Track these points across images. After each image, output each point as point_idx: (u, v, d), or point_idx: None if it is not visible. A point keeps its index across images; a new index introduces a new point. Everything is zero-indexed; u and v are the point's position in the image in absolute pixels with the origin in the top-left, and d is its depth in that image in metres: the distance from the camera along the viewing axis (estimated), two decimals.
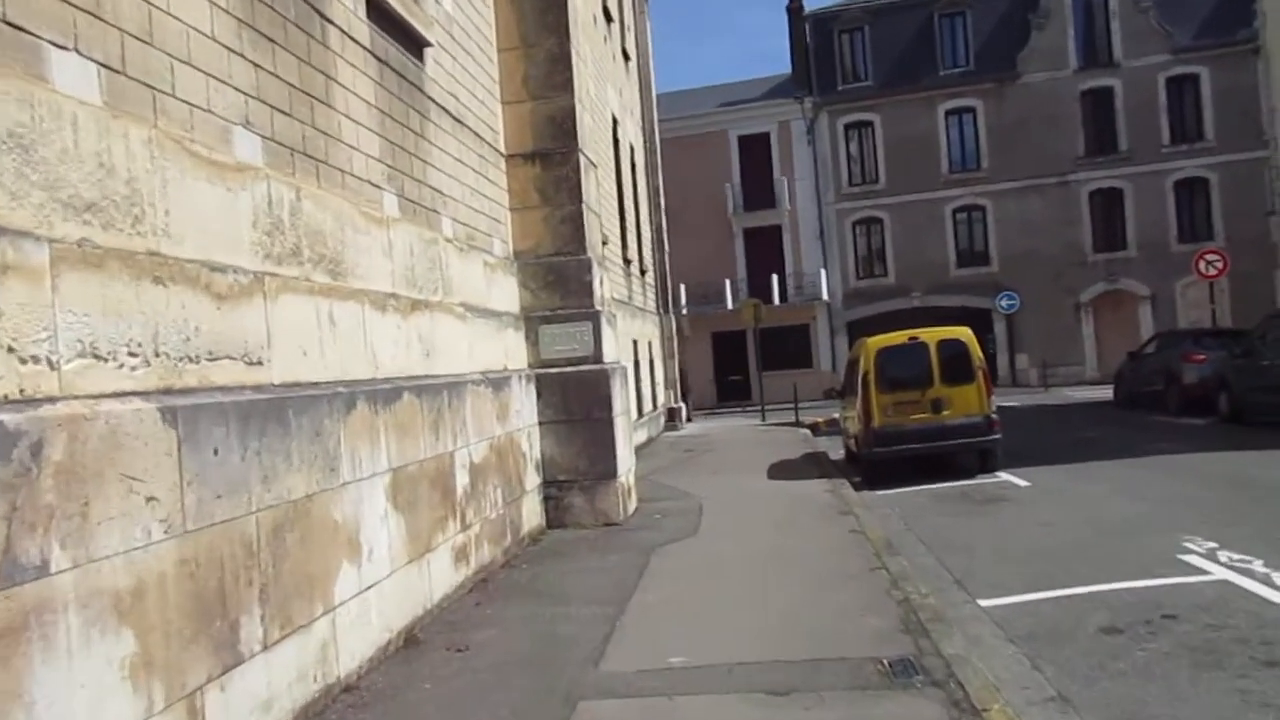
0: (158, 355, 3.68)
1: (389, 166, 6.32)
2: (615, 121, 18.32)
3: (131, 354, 3.54)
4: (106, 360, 3.38)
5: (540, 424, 9.16)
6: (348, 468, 5.02)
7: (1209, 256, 21.04)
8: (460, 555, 6.74)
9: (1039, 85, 31.99)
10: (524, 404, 8.78)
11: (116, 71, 3.64)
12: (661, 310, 23.33)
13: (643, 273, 20.94)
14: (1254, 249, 27.81)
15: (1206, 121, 30.93)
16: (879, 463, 12.08)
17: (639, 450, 16.64)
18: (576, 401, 9.15)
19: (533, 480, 8.87)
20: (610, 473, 9.18)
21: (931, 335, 12.30)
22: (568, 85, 9.30)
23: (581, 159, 9.41)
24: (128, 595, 3.27)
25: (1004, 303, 30.82)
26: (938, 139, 32.99)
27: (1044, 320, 31.86)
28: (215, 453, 3.85)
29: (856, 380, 12.47)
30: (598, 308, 9.35)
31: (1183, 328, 26.08)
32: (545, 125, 9.33)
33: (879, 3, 33.93)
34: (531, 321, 9.28)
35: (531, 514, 8.75)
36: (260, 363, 4.40)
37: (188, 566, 3.62)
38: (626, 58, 21.14)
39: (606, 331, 9.50)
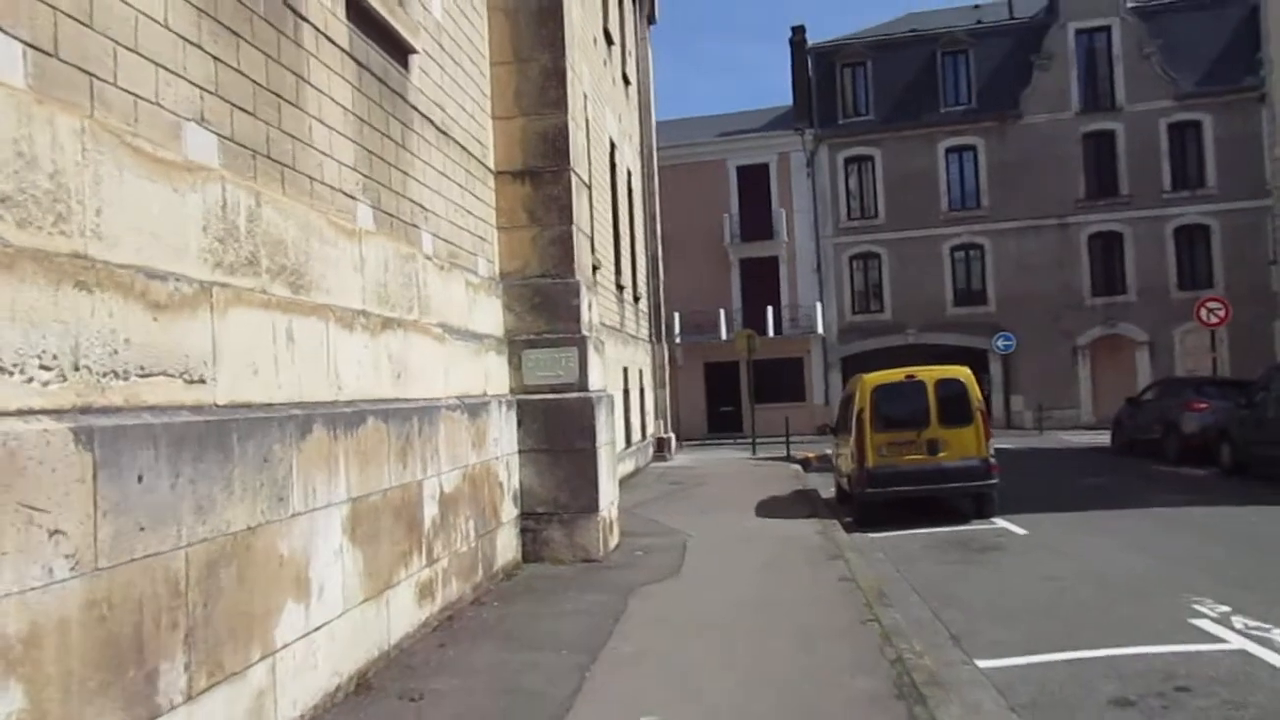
0: (77, 369, 3.29)
1: (364, 176, 5.96)
2: (613, 146, 18.07)
3: (44, 367, 3.14)
4: (11, 373, 2.99)
5: (520, 453, 8.76)
6: (299, 497, 4.62)
7: (1210, 304, 20.78)
8: (425, 592, 6.31)
9: (1040, 126, 31.91)
10: (503, 431, 8.38)
11: (46, 53, 3.27)
12: (654, 338, 22.99)
13: (636, 299, 20.62)
14: (1254, 298, 27.57)
15: (1208, 168, 30.83)
16: (872, 504, 11.68)
17: (625, 481, 16.23)
18: (559, 430, 8.75)
19: (509, 512, 8.45)
20: (591, 506, 8.76)
21: (929, 374, 11.95)
22: (561, 102, 8.99)
23: (573, 178, 9.08)
24: (19, 643, 2.86)
25: (1000, 343, 30.54)
26: (938, 176, 32.86)
27: (1040, 362, 31.57)
28: (140, 480, 3.44)
29: (851, 417, 12.10)
30: (584, 333, 8.99)
31: (1182, 375, 25.80)
32: (537, 142, 9.01)
33: (881, 38, 33.92)
34: (515, 345, 8.91)
35: (507, 547, 8.33)
36: (202, 380, 4.00)
37: (97, 609, 3.20)
38: (627, 82, 20.94)
39: (593, 358, 9.13)
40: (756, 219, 33.96)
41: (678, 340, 32.36)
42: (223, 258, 4.24)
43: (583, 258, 9.36)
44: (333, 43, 5.57)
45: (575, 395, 8.82)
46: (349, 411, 5.29)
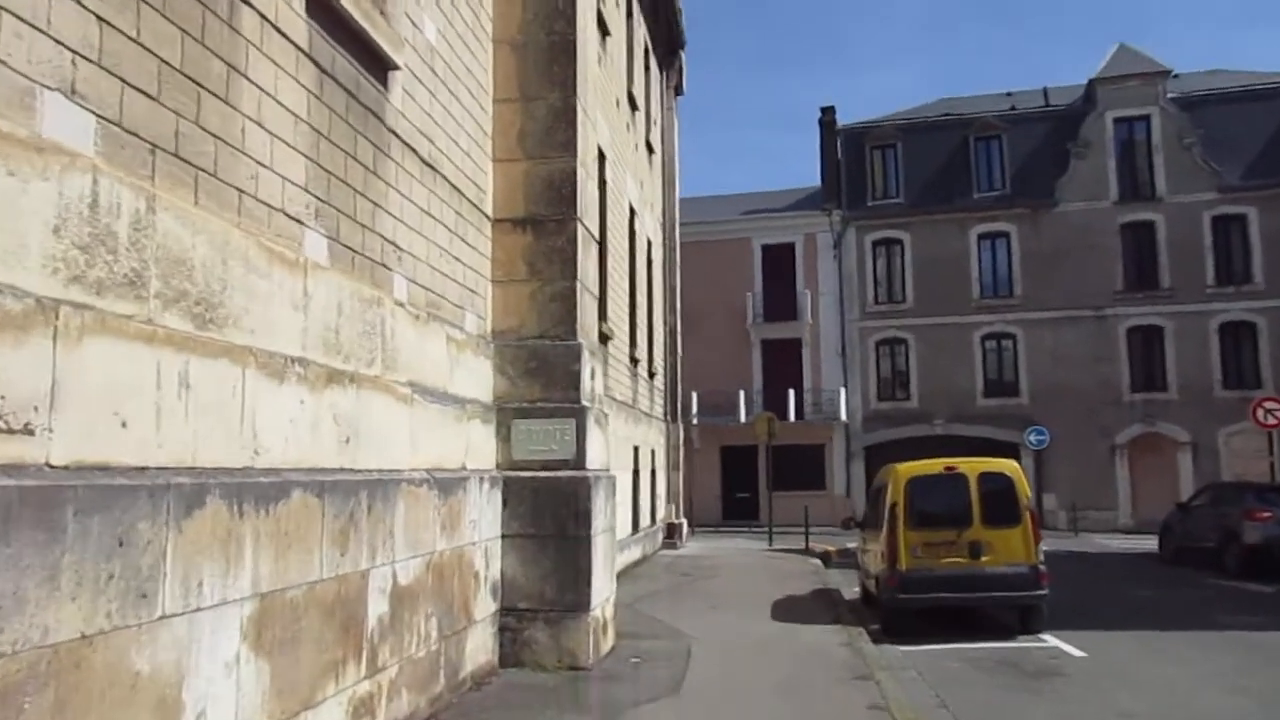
0: None
1: (319, 200, 4.99)
2: (633, 212, 17.26)
3: None
4: None
5: (503, 537, 7.61)
6: (174, 594, 3.50)
7: (1268, 404, 19.45)
8: (361, 710, 5.11)
9: (1077, 214, 31.02)
10: (484, 513, 7.24)
11: None
12: (669, 417, 21.87)
13: (651, 375, 19.57)
14: None
15: (1255, 263, 29.71)
16: (903, 611, 10.34)
17: (630, 570, 14.93)
18: (549, 513, 7.60)
19: (485, 607, 7.25)
20: (582, 604, 7.55)
21: (972, 467, 10.72)
22: (570, 145, 8.08)
23: (580, 229, 8.12)
24: None
25: (1033, 438, 29.14)
26: (969, 262, 31.93)
27: (1075, 459, 30.06)
28: None
29: (881, 512, 10.84)
30: (585, 403, 7.91)
31: (1233, 480, 24.22)
32: (541, 189, 8.08)
33: (913, 120, 33.39)
34: (505, 413, 7.84)
35: (479, 649, 7.11)
36: (28, 431, 2.94)
37: None
38: (650, 150, 20.27)
39: (593, 432, 8.03)
40: (780, 299, 33.06)
41: (694, 420, 31.19)
42: (85, 272, 3.22)
43: (587, 318, 8.34)
44: (284, 36, 4.65)
45: (570, 473, 7.70)
46: (266, 482, 4.20)
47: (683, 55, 23.23)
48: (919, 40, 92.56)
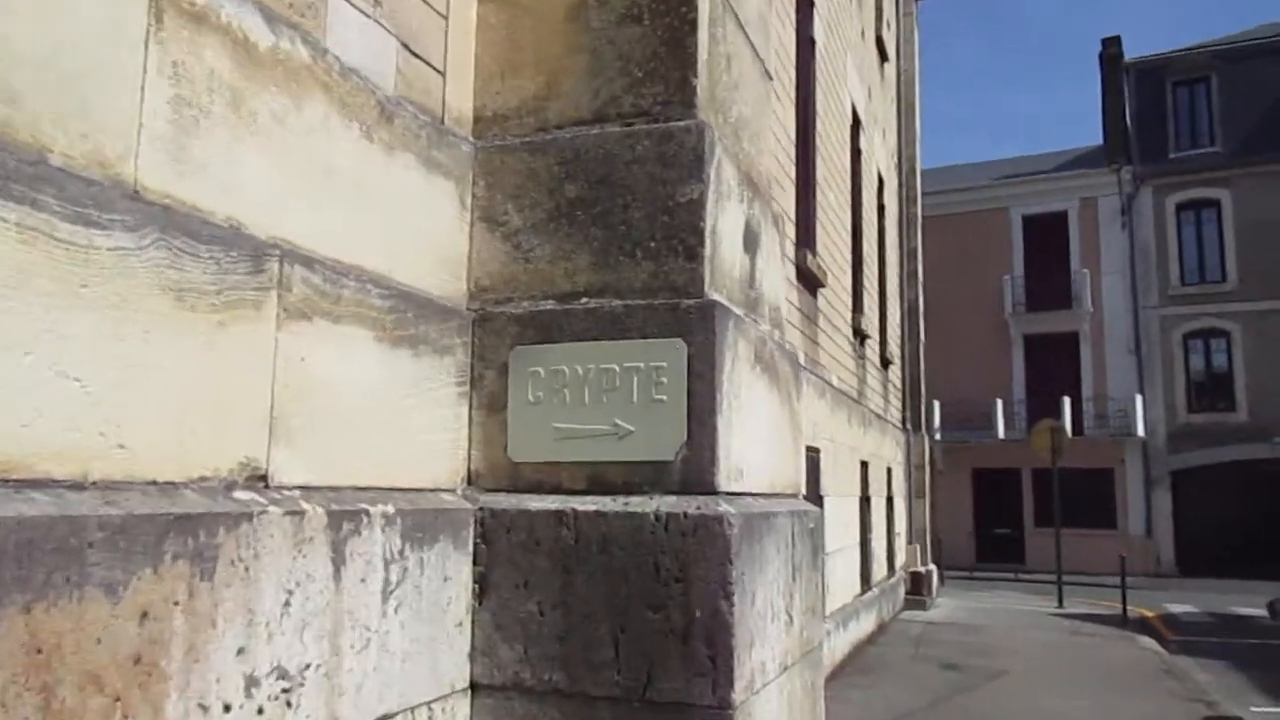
0: None
1: None
2: (856, 120, 11.88)
3: None
4: None
5: (473, 692, 2.54)
6: None
7: None
8: None
9: None
10: (398, 615, 2.23)
11: None
12: (909, 424, 16.12)
13: (885, 364, 13.99)
14: None
15: None
16: None
17: (859, 653, 9.33)
18: (609, 622, 2.45)
19: None
20: None
21: None
22: None
23: None
24: None
25: None
26: None
27: None
28: None
29: None
30: (714, 295, 2.66)
31: None
32: None
33: (1232, 45, 25.60)
34: (493, 332, 2.75)
35: None
36: None
37: None
38: (882, 54, 14.77)
39: (744, 383, 2.77)
40: (1049, 283, 26.16)
41: (937, 437, 24.93)
42: None
43: (726, 80, 3.08)
44: None
45: (674, 502, 2.50)
46: None
47: None
48: None
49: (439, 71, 2.87)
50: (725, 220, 2.82)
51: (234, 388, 1.92)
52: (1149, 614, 15.63)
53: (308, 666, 2.01)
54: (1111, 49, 26.35)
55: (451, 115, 2.90)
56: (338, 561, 2.13)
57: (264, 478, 2.00)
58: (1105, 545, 22.49)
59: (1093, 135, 30.15)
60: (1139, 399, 24.86)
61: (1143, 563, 23.10)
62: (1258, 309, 24.18)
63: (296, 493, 2.09)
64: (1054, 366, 25.91)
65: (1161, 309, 25.23)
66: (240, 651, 1.82)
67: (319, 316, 2.19)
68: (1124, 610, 14.23)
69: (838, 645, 9.07)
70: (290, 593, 1.98)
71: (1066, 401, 25.02)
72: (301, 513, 2.02)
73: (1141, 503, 25.02)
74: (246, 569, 1.86)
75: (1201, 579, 22.36)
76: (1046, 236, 26.34)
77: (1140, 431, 24.78)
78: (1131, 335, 25.39)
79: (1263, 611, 14.49)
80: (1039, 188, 26.69)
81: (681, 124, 2.74)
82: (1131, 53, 26.63)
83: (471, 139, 2.93)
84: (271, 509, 1.93)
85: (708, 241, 2.68)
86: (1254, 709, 8.34)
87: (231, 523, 1.82)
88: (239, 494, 1.90)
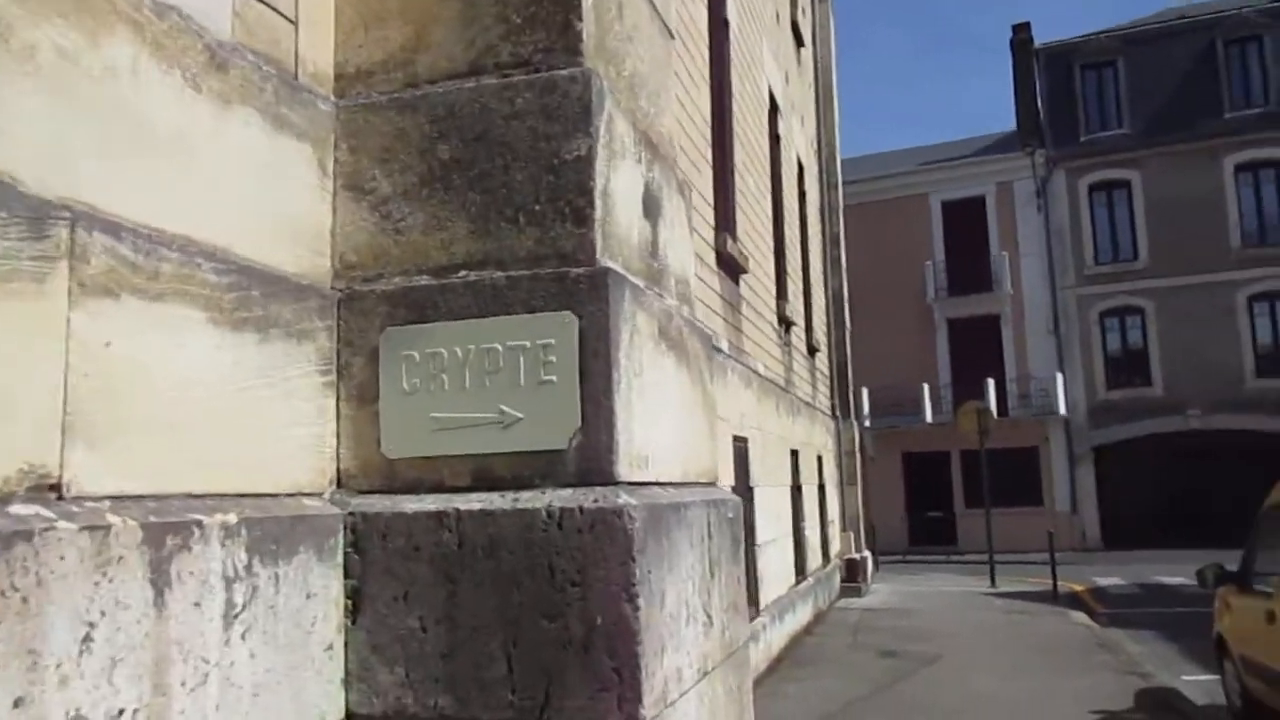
0: None
1: None
2: (773, 104, 11.74)
3: None
4: None
5: None
6: None
7: None
8: None
9: None
10: (246, 645, 1.90)
11: None
12: (838, 412, 16.10)
13: (812, 351, 13.91)
14: None
15: None
16: None
17: (796, 644, 9.18)
18: (503, 634, 2.16)
19: None
20: None
21: None
22: None
23: None
24: None
25: None
26: (1224, 201, 24.56)
27: None
28: None
29: None
30: (607, 263, 2.37)
31: None
32: None
33: (1138, 29, 26.29)
34: (363, 314, 2.43)
35: None
36: None
37: None
38: (798, 39, 14.68)
39: (648, 358, 2.49)
40: (969, 267, 26.58)
41: (866, 423, 25.10)
42: None
43: (615, 29, 2.81)
44: None
45: (568, 496, 2.21)
46: None
47: None
48: None
49: (289, 20, 2.54)
50: (619, 180, 2.53)
51: (8, 379, 1.57)
52: (1079, 588, 15.86)
53: (121, 712, 1.67)
54: (1022, 35, 26.93)
55: (307, 70, 2.56)
56: (160, 584, 1.79)
57: (56, 487, 1.65)
58: (1033, 523, 22.87)
59: (1007, 120, 30.68)
60: (1059, 378, 25.43)
61: (1069, 538, 23.58)
62: (1169, 285, 24.91)
63: (104, 504, 1.74)
64: (977, 349, 26.34)
65: (1078, 288, 25.84)
66: (17, 704, 1.47)
67: (129, 294, 1.84)
68: (1054, 586, 14.41)
69: (774, 639, 8.88)
70: (92, 625, 1.64)
71: (991, 383, 25.46)
72: (106, 528, 1.67)
73: (1066, 480, 25.58)
74: (24, 599, 1.51)
75: (1126, 551, 22.92)
76: (965, 221, 26.77)
77: (1062, 410, 25.35)
78: (1050, 315, 25.96)
79: (1187, 580, 14.80)
80: (956, 173, 27.12)
81: (565, 73, 2.45)
82: (1041, 38, 27.18)
83: (333, 98, 2.60)
84: (61, 525, 1.59)
85: (598, 204, 2.39)
86: (1185, 678, 8.39)
87: (2, 544, 1.48)
88: (17, 508, 1.56)
